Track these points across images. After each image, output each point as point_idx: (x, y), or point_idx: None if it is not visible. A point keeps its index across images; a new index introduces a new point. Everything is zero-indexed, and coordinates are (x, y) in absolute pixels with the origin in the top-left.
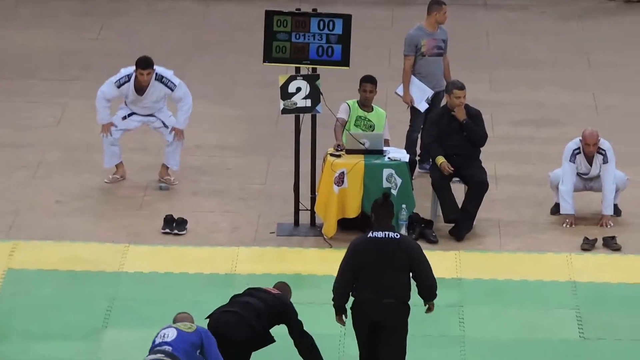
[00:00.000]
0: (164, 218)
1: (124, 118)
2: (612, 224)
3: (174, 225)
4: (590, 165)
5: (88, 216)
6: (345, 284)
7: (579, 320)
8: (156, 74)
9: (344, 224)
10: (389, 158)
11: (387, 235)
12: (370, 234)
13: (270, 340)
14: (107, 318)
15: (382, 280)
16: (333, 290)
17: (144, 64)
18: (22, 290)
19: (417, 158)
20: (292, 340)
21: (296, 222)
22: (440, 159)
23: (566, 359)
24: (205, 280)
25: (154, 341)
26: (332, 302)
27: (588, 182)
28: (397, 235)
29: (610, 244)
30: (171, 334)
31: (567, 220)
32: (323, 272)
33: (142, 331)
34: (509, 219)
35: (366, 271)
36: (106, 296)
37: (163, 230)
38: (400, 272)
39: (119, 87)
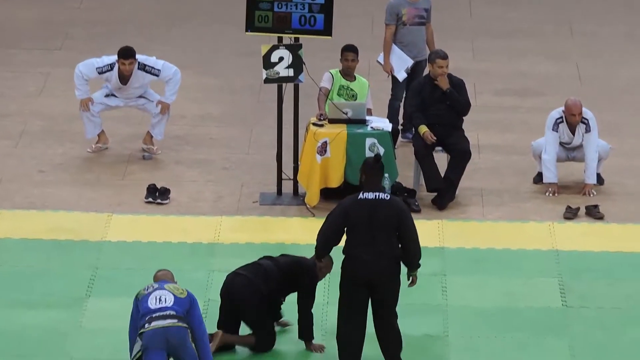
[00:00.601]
0: (147, 187)
1: (106, 96)
2: (594, 193)
3: (157, 194)
4: (573, 135)
5: (71, 186)
6: (330, 240)
7: (562, 289)
8: (138, 62)
9: (327, 193)
10: (371, 127)
11: (377, 197)
12: (360, 195)
13: (281, 302)
14: (91, 287)
15: (376, 241)
16: (317, 240)
17: (125, 54)
18: (5, 260)
19: (400, 127)
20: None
21: (279, 191)
22: (423, 128)
23: (549, 327)
24: (188, 249)
25: (145, 303)
26: (315, 252)
27: (571, 152)
28: (387, 196)
29: (593, 213)
30: (169, 299)
31: (550, 189)
32: (306, 241)
33: (126, 299)
34: (492, 188)
35: (358, 232)
36: (89, 265)
37: (146, 200)
38: (391, 232)
39: (100, 73)
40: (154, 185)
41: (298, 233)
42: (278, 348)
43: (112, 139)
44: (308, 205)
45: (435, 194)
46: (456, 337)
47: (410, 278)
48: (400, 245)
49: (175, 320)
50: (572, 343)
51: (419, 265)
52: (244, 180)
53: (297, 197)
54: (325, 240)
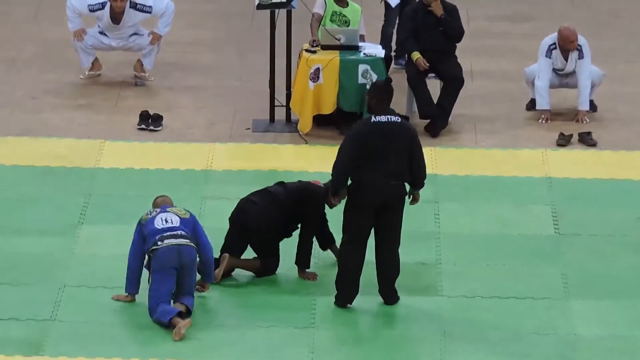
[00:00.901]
0: (140, 114)
1: (100, 33)
2: (587, 120)
3: (150, 121)
4: (566, 61)
5: (64, 112)
6: (348, 169)
7: (554, 216)
8: (130, 1)
9: (320, 120)
10: (364, 54)
11: (389, 119)
12: (373, 119)
13: (292, 229)
14: (83, 214)
15: (389, 163)
16: (334, 175)
17: None
18: None
19: (393, 54)
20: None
21: (272, 118)
22: (416, 55)
23: (541, 255)
24: (181, 176)
25: (151, 225)
26: (332, 187)
27: (563, 78)
28: (398, 119)
29: (586, 140)
30: (175, 220)
31: (543, 116)
32: (299, 168)
33: (118, 227)
34: (485, 114)
35: (373, 155)
36: (82, 192)
37: (139, 127)
38: (403, 154)
39: (91, 11)
40: (147, 112)
41: (291, 160)
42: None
43: (104, 65)
44: (301, 132)
45: (428, 120)
46: (449, 264)
47: (412, 196)
48: (410, 167)
49: (187, 240)
50: (564, 270)
51: (423, 185)
52: (237, 107)
53: (290, 124)
54: (344, 172)
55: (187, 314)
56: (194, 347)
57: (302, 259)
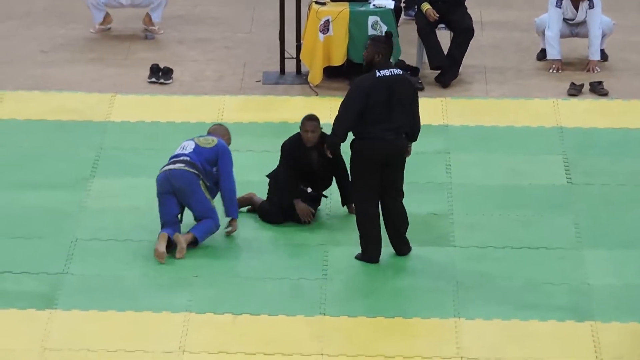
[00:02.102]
0: (150, 67)
1: None
2: (598, 69)
3: (160, 74)
4: (577, 11)
5: (74, 66)
6: (351, 124)
7: (566, 166)
8: None
9: (330, 72)
10: (374, 5)
11: (393, 73)
12: (378, 73)
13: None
14: (95, 167)
15: (394, 117)
16: (337, 130)
17: None
18: (9, 141)
19: (402, 5)
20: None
21: (282, 70)
22: (426, 6)
23: (553, 204)
24: (192, 129)
25: (173, 155)
26: (332, 140)
27: (574, 28)
28: (400, 72)
29: (597, 89)
30: (189, 147)
31: (554, 66)
32: None
33: (130, 179)
34: (495, 65)
35: (378, 110)
36: (93, 145)
37: (149, 80)
38: (407, 107)
39: None
40: (157, 65)
41: (301, 112)
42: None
43: (114, 19)
44: (311, 84)
45: (439, 71)
46: (460, 215)
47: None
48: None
49: (183, 165)
50: (576, 220)
51: (416, 138)
52: (247, 59)
53: (300, 75)
54: (348, 127)
55: (193, 243)
56: (206, 300)
57: (346, 195)
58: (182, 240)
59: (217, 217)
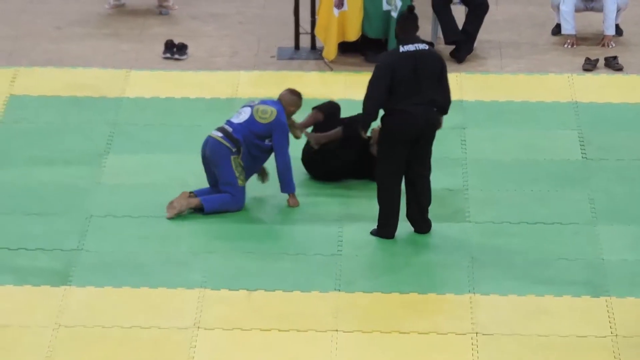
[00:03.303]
0: (165, 43)
1: None
2: (613, 44)
3: (175, 50)
4: None
5: (88, 42)
6: (381, 102)
7: (581, 141)
8: None
9: (345, 47)
10: None
11: (417, 47)
12: (401, 49)
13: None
14: (109, 143)
15: (422, 92)
16: (368, 108)
17: None
18: (24, 117)
19: None
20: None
21: (296, 45)
22: None
23: (568, 180)
24: (206, 105)
25: (227, 119)
26: (363, 119)
27: (589, 3)
28: (425, 46)
29: (612, 64)
30: (243, 116)
31: (569, 41)
32: (324, 96)
33: (144, 156)
34: (510, 40)
35: (405, 85)
36: (108, 121)
37: (164, 55)
38: (434, 81)
39: None
40: (172, 40)
41: (316, 87)
42: None
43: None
44: (326, 60)
45: (453, 46)
46: (476, 190)
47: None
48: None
49: (221, 135)
50: (592, 195)
51: (447, 111)
52: (261, 35)
53: (315, 51)
54: (377, 104)
55: (199, 210)
56: (221, 276)
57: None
58: (181, 201)
59: (240, 197)
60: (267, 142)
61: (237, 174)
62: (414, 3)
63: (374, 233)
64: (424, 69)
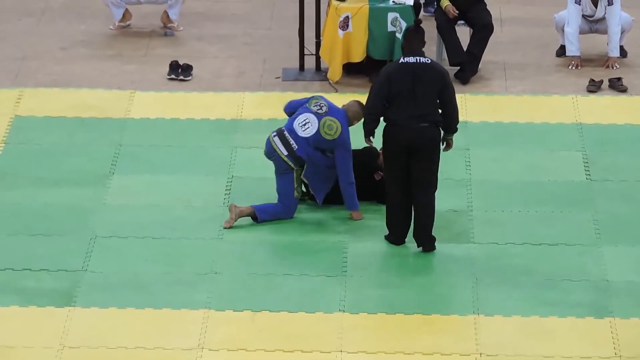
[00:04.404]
0: (170, 64)
1: None
2: (618, 66)
3: (180, 71)
4: (596, 7)
5: (94, 63)
6: (377, 111)
7: (585, 162)
8: None
9: (349, 68)
10: (393, 1)
11: (418, 60)
12: (402, 60)
13: None
14: (114, 164)
15: (418, 105)
16: (365, 116)
17: None
18: (29, 138)
19: (422, 1)
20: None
21: (301, 66)
22: (445, 2)
23: (573, 201)
24: (211, 126)
25: (296, 115)
26: (363, 127)
27: (593, 24)
28: (428, 60)
29: (616, 86)
30: (310, 130)
31: (573, 62)
32: None
33: (149, 176)
34: (515, 61)
35: (401, 97)
36: (113, 142)
37: (169, 76)
38: (434, 95)
39: None
40: (177, 61)
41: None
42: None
43: (132, 15)
44: (330, 81)
45: (458, 68)
46: (480, 211)
47: (446, 142)
48: (441, 110)
49: (286, 154)
50: (596, 216)
51: (456, 130)
52: (266, 56)
53: (320, 72)
54: (372, 112)
55: (254, 218)
56: (225, 297)
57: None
58: (234, 210)
59: (293, 208)
60: (328, 154)
61: (295, 185)
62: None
63: (386, 237)
64: (421, 82)
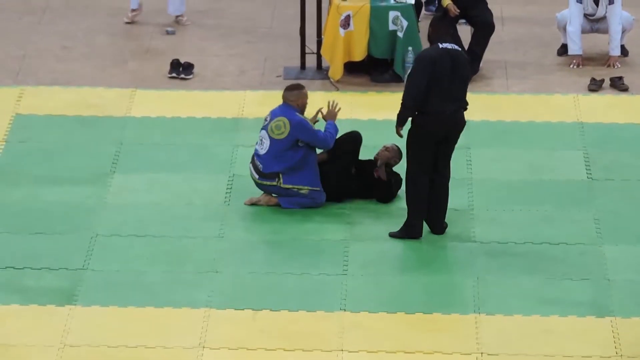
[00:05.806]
0: (171, 62)
1: None
2: (619, 65)
3: (181, 69)
4: (597, 6)
5: (95, 61)
6: (420, 95)
7: (587, 161)
8: None
9: (351, 67)
10: (394, 0)
11: (453, 47)
12: (441, 45)
13: None
14: (115, 163)
15: (454, 91)
16: (407, 101)
17: None
18: (30, 136)
19: (423, 0)
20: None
21: (302, 65)
22: (446, 1)
23: (574, 200)
24: (212, 124)
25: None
26: (399, 116)
27: (594, 24)
28: (458, 48)
29: (618, 85)
30: (265, 145)
31: (575, 61)
32: None
33: (150, 175)
34: (516, 60)
35: (441, 81)
36: (114, 141)
37: (170, 75)
38: (464, 81)
39: None
40: (178, 60)
41: (322, 107)
42: None
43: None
44: (332, 79)
45: None
46: (481, 210)
47: None
48: None
49: (258, 177)
50: (597, 215)
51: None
52: (267, 54)
53: (321, 71)
54: (416, 96)
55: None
56: (226, 296)
57: None
58: (264, 198)
59: (321, 200)
60: (300, 144)
61: (305, 191)
62: (420, 23)
63: (395, 235)
64: (458, 68)
